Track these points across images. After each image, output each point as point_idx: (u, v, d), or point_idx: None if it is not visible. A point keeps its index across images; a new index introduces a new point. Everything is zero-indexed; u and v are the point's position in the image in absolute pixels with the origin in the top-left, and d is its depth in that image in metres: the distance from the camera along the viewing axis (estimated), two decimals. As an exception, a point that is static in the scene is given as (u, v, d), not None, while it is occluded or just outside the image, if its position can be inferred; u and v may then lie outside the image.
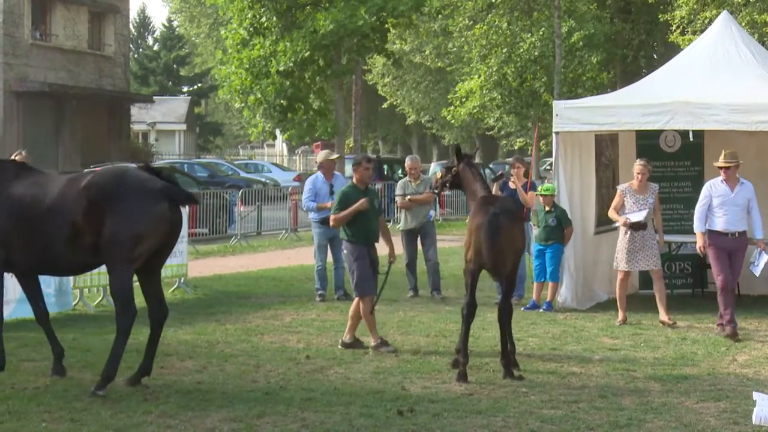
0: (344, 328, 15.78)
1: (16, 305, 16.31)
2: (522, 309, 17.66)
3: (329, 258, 19.04)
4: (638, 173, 16.83)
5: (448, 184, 14.46)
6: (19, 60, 51.11)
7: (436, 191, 15.22)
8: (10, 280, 15.88)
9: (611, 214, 17.05)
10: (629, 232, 16.57)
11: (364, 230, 14.26)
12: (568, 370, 13.00)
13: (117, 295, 11.89)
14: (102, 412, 10.68)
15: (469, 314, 12.62)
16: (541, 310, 17.59)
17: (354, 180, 14.63)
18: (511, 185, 18.59)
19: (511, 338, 13.04)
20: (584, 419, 10.58)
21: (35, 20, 52.83)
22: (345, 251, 14.49)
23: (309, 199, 18.78)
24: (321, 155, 19.64)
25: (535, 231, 18.84)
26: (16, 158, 16.61)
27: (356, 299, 14.34)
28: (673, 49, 37.01)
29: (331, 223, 14.61)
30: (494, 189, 18.73)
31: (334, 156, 19.81)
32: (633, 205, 16.69)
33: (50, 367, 12.63)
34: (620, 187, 17.05)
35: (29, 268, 12.41)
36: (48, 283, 16.72)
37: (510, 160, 19.82)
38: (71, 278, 17.27)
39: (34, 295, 12.68)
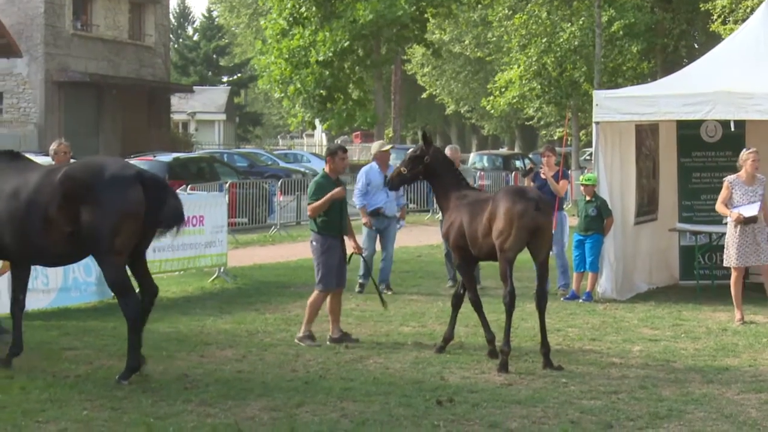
0: (383, 318, 15.83)
1: (58, 294, 16.47)
2: (562, 299, 17.64)
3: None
4: (752, 161, 15.83)
5: (420, 176, 14.09)
6: (60, 50, 51.42)
7: (393, 186, 14.69)
8: (52, 269, 16.07)
9: (719, 208, 16.20)
10: (740, 227, 15.73)
11: (335, 222, 14.00)
12: (608, 361, 12.96)
13: (114, 288, 11.94)
14: (143, 400, 10.73)
15: (511, 303, 12.57)
16: (580, 301, 17.54)
17: (327, 169, 14.25)
18: (542, 175, 18.56)
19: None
20: (624, 410, 10.54)
21: (76, 11, 53.14)
22: (314, 243, 14.11)
23: (361, 192, 18.56)
24: (375, 146, 19.54)
25: (571, 221, 18.78)
26: (56, 147, 16.75)
27: (316, 292, 14.14)
28: (715, 39, 36.77)
29: (308, 213, 14.15)
30: (526, 183, 18.72)
31: (388, 147, 19.75)
32: (742, 197, 15.86)
33: (89, 357, 12.72)
34: (728, 179, 16.15)
35: (18, 258, 12.46)
36: (89, 272, 16.89)
37: (542, 150, 19.73)
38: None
39: (19, 286, 12.51)
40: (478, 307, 13.43)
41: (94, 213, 11.42)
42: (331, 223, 13.98)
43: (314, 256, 14.16)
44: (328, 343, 14.00)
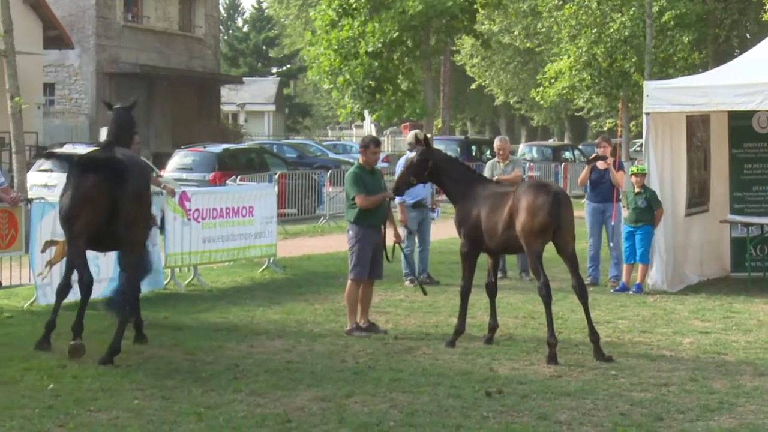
0: (432, 309, 15.83)
1: (109, 284, 16.55)
2: (612, 291, 17.58)
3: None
4: None
5: (426, 179, 14.12)
6: (111, 42, 51.72)
7: (400, 193, 14.49)
8: (104, 260, 16.21)
9: None
10: None
11: (372, 214, 14.02)
12: (658, 353, 12.91)
13: (73, 267, 12.56)
14: (193, 390, 10.80)
15: (547, 294, 12.53)
16: (630, 293, 17.45)
17: (361, 161, 14.30)
18: (601, 166, 18.44)
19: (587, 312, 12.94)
20: (674, 402, 10.50)
21: (127, 2, 53.43)
22: (350, 232, 14.17)
23: None
24: (410, 136, 19.49)
25: (625, 213, 18.69)
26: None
27: (349, 282, 14.19)
28: (767, 29, 36.42)
29: (359, 203, 13.97)
30: (586, 172, 18.62)
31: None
32: None
33: (140, 346, 12.85)
34: None
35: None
36: (140, 263, 16.97)
37: (598, 140, 19.59)
38: (163, 258, 17.48)
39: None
40: (465, 296, 13.51)
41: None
42: (368, 214, 14.01)
43: (348, 245, 14.26)
44: (345, 334, 13.99)
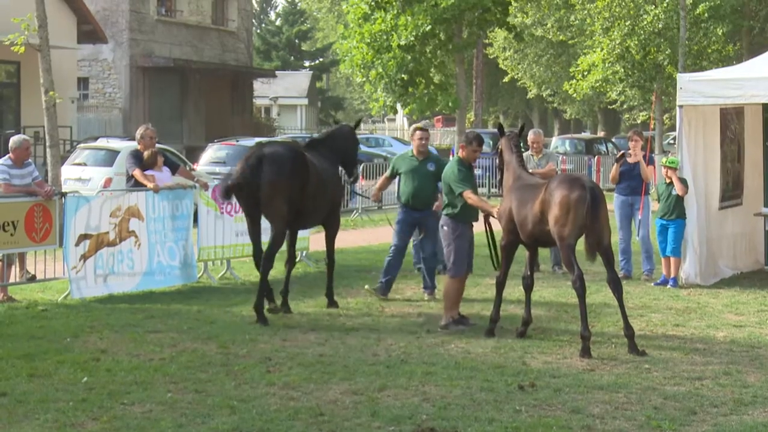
0: (465, 302, 15.80)
1: (143, 277, 16.65)
2: (652, 285, 17.56)
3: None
4: None
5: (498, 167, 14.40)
6: (144, 36, 51.90)
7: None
8: (137, 253, 16.29)
9: None
10: None
11: (472, 210, 13.94)
12: (692, 347, 12.86)
13: None
14: (226, 383, 10.83)
15: (581, 287, 12.48)
16: (669, 286, 17.37)
17: (462, 156, 14.07)
18: (629, 159, 18.38)
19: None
20: (708, 396, 10.46)
21: (160, -4, 53.64)
22: (445, 228, 14.05)
23: None
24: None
25: (655, 206, 18.62)
26: (142, 132, 17.00)
27: (448, 279, 14.11)
28: (802, 20, 36.15)
29: (470, 199, 13.70)
30: (615, 169, 18.56)
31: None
32: None
33: (173, 340, 12.89)
34: None
35: None
36: (173, 256, 17.07)
37: (629, 133, 19.51)
38: (195, 251, 17.56)
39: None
40: (500, 288, 13.72)
41: None
42: (470, 211, 13.95)
43: (445, 242, 14.13)
44: (440, 329, 13.91)
